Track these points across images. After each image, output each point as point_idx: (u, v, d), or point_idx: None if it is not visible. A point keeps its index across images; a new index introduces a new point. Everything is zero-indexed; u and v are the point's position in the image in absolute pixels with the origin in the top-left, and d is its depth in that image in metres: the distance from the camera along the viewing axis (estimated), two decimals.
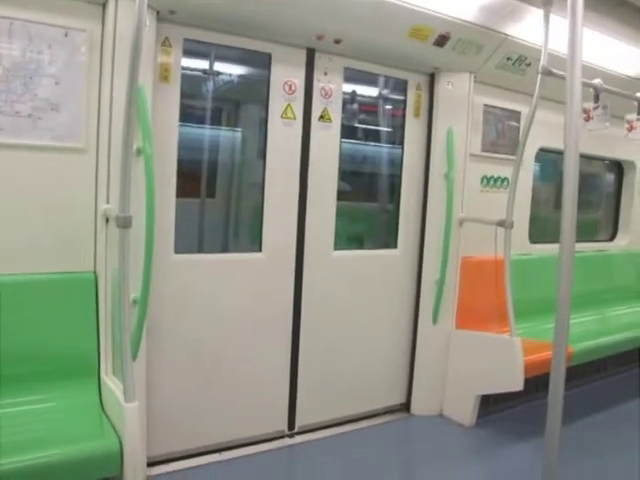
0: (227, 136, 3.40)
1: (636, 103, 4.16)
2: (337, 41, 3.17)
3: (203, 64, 3.15)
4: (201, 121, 3.24)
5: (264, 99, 3.16)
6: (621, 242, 5.54)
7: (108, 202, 2.58)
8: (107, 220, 2.59)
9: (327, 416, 3.59)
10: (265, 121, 3.17)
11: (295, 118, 3.22)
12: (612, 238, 5.59)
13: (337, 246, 3.48)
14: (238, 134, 3.43)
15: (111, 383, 2.44)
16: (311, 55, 3.25)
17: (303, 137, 3.26)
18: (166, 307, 2.92)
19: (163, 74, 2.80)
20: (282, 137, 3.20)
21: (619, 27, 3.97)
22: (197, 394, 3.08)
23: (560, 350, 2.17)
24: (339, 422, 3.64)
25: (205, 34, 2.91)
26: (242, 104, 3.42)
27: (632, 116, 4.21)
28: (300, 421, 3.47)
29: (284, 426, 3.43)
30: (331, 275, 3.47)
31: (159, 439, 2.93)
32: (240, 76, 3.37)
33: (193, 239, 3.31)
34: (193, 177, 3.28)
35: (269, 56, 3.13)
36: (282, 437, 3.42)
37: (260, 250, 3.22)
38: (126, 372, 2.18)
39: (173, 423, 3.01)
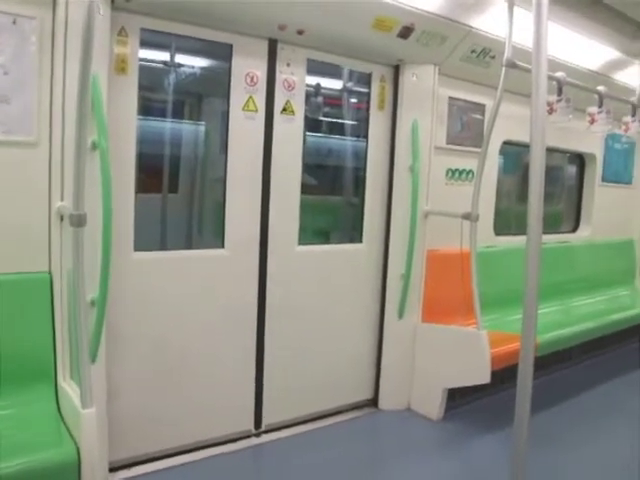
0: (189, 130, 3.31)
1: (597, 96, 4.22)
2: (300, 32, 3.10)
3: (162, 55, 3.05)
4: (161, 114, 3.14)
5: (226, 91, 3.08)
6: (583, 233, 5.63)
7: (62, 199, 2.47)
8: (62, 218, 2.48)
9: (294, 414, 3.55)
10: (227, 114, 3.09)
11: (257, 111, 3.15)
12: (575, 230, 5.68)
13: (301, 241, 3.43)
14: (200, 128, 3.35)
15: (68, 388, 2.35)
16: (273, 46, 3.18)
17: (266, 130, 3.19)
18: (127, 307, 2.83)
19: (120, 65, 2.70)
20: (244, 130, 3.12)
21: (581, 21, 3.99)
22: (161, 395, 3.00)
23: (528, 342, 2.17)
24: (306, 419, 3.60)
25: (163, 24, 2.81)
26: (204, 97, 3.33)
27: (594, 109, 4.26)
28: (267, 420, 3.42)
29: (250, 425, 3.37)
30: (295, 270, 3.41)
31: (122, 443, 2.84)
32: (201, 68, 3.29)
33: (155, 236, 3.22)
34: (154, 172, 3.19)
35: (230, 47, 3.05)
36: (249, 437, 3.36)
37: (223, 246, 3.14)
38: (83, 376, 2.09)
39: (136, 426, 2.92)
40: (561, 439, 3.57)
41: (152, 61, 3.00)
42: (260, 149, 3.19)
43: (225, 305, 3.17)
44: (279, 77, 3.22)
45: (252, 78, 3.11)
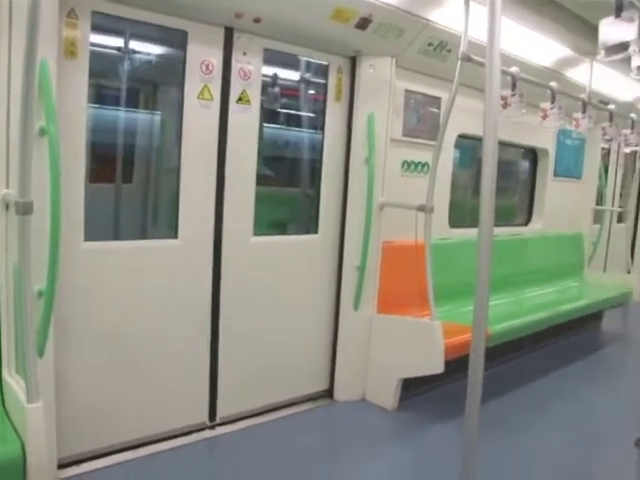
0: (144, 118, 3.25)
1: (550, 92, 4.31)
2: (257, 20, 3.06)
3: (116, 41, 2.97)
4: (115, 102, 3.07)
5: (181, 79, 3.01)
6: (535, 226, 5.76)
7: (8, 187, 2.38)
8: (7, 206, 2.39)
9: (249, 405, 3.52)
10: (181, 102, 3.03)
11: (212, 99, 3.10)
12: (527, 223, 5.80)
13: (257, 232, 3.40)
14: (156, 116, 3.28)
15: (14, 383, 2.27)
16: (229, 34, 3.12)
17: (221, 119, 3.14)
18: (77, 299, 2.76)
19: (69, 49, 2.60)
20: (199, 119, 3.06)
21: (536, 19, 4.07)
22: (113, 389, 2.93)
23: (479, 332, 2.21)
24: (262, 411, 3.58)
25: (116, 7, 2.72)
26: (159, 85, 3.26)
27: (546, 105, 4.36)
28: (221, 412, 3.39)
29: (205, 418, 3.34)
30: (251, 262, 3.38)
31: (71, 439, 2.77)
32: (156, 55, 3.22)
33: (107, 226, 3.15)
34: (107, 161, 3.11)
35: (185, 34, 2.98)
36: (203, 429, 3.32)
37: (176, 237, 3.08)
38: (30, 370, 2.03)
39: (87, 421, 2.85)
40: (512, 426, 3.65)
41: (105, 46, 2.92)
42: (215, 139, 3.14)
43: (179, 297, 3.11)
44: (235, 66, 3.17)
45: (207, 66, 3.05)
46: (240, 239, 3.31)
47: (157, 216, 3.40)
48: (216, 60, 3.09)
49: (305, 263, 3.67)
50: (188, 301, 3.15)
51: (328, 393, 3.91)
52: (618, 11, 2.84)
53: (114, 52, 2.98)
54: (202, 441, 3.23)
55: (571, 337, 5.64)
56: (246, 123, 3.25)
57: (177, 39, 2.99)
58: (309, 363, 3.79)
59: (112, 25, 2.85)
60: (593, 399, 4.21)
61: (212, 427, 3.35)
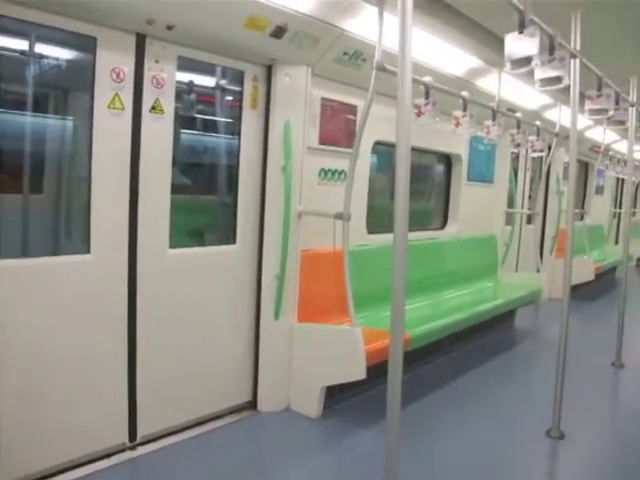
0: (54, 126, 3.11)
1: (462, 101, 4.46)
2: (169, 27, 2.98)
3: (20, 44, 2.82)
4: (21, 108, 2.91)
5: (91, 87, 2.89)
6: (451, 230, 5.93)
7: None
8: None
9: (171, 422, 3.43)
10: (91, 111, 2.90)
11: (124, 108, 2.99)
12: (443, 227, 5.97)
13: (173, 244, 3.30)
14: (67, 124, 3.15)
15: None
16: (141, 41, 3.03)
17: (133, 129, 3.03)
18: None
19: None
20: (110, 129, 2.95)
21: (448, 30, 4.17)
22: (25, 413, 2.76)
23: (397, 337, 2.25)
24: (185, 427, 3.49)
25: (18, 10, 2.56)
26: (69, 91, 3.12)
27: (459, 113, 4.51)
28: (142, 431, 3.27)
29: (125, 438, 3.20)
30: (167, 275, 3.29)
31: None
32: (65, 60, 3.07)
33: (14, 242, 2.96)
34: (13, 171, 2.94)
35: (94, 40, 2.86)
36: (123, 450, 3.19)
37: (89, 251, 2.95)
38: None
39: None
40: (434, 427, 3.73)
41: (7, 49, 2.76)
42: (127, 149, 3.03)
43: (93, 314, 2.98)
44: (147, 74, 3.07)
45: (118, 74, 2.94)
46: (156, 252, 3.21)
47: (69, 230, 3.24)
48: (127, 68, 2.98)
49: (224, 274, 3.61)
50: (103, 318, 3.02)
51: (252, 404, 3.86)
52: (521, 27, 2.97)
53: (18, 55, 2.83)
54: (122, 463, 3.10)
55: (486, 336, 5.84)
56: (160, 133, 3.15)
57: (86, 44, 2.86)
58: (231, 375, 3.73)
59: (16, 27, 2.69)
60: (507, 396, 4.38)
61: (133, 447, 3.23)
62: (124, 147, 3.02)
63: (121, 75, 2.95)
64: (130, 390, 3.19)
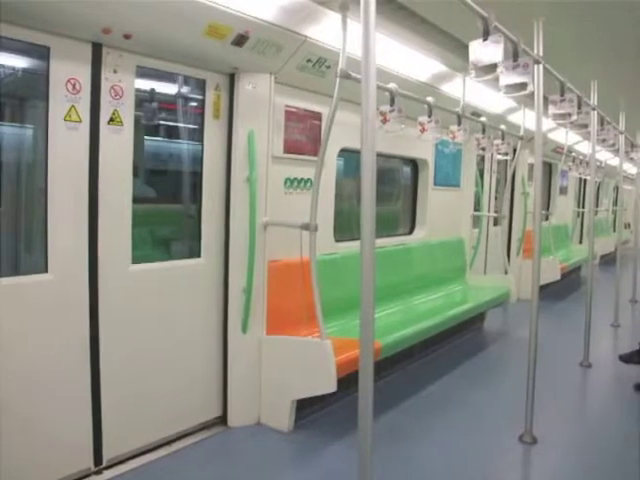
0: (8, 139, 2.94)
1: (427, 107, 4.46)
2: (127, 36, 2.88)
3: None
4: None
5: (45, 99, 2.77)
6: (419, 234, 5.93)
7: None
8: None
9: (139, 443, 3.31)
10: (46, 124, 2.78)
11: (81, 121, 2.87)
12: (411, 232, 5.96)
13: (136, 259, 3.21)
14: (24, 136, 3.01)
15: None
16: (98, 50, 2.92)
17: (91, 142, 2.92)
18: None
19: None
20: (66, 142, 2.83)
21: (411, 36, 4.16)
22: None
23: (367, 348, 2.23)
24: (153, 447, 3.38)
25: None
26: (24, 102, 2.98)
27: (424, 118, 4.51)
28: (108, 454, 3.15)
29: (90, 463, 3.07)
30: (131, 291, 3.18)
31: None
32: (16, 70, 2.91)
33: None
34: None
35: (47, 50, 2.74)
36: (88, 476, 3.06)
37: (46, 270, 2.83)
38: None
39: None
40: (407, 436, 3.70)
41: None
42: (85, 162, 2.91)
43: (53, 336, 2.85)
44: (105, 85, 2.96)
45: (74, 85, 2.83)
46: (118, 268, 3.10)
47: (25, 248, 3.10)
48: (84, 78, 2.87)
49: (189, 288, 3.52)
50: (64, 339, 2.90)
51: (222, 420, 3.77)
52: (485, 34, 2.96)
53: None
54: None
55: (457, 339, 5.86)
56: (119, 145, 3.05)
57: (39, 54, 2.74)
58: (200, 391, 3.64)
59: None
60: (480, 400, 4.38)
61: (98, 472, 3.10)
62: (81, 161, 2.90)
63: (77, 86, 2.84)
64: (94, 412, 3.07)
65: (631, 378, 4.77)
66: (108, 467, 3.15)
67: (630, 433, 3.89)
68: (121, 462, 3.21)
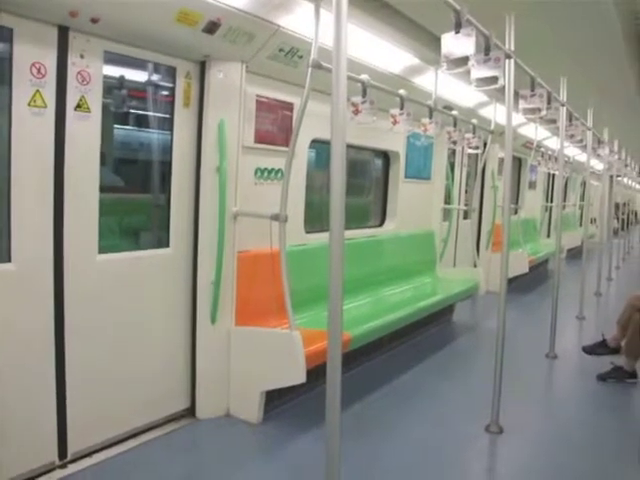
0: None
1: (399, 99, 4.46)
2: (94, 20, 2.80)
3: None
4: None
5: (8, 83, 2.68)
6: (389, 227, 5.95)
7: None
8: None
9: (105, 436, 3.26)
10: (9, 109, 2.69)
11: (46, 106, 2.79)
12: (382, 224, 5.98)
13: (103, 248, 3.14)
14: None
15: None
16: (64, 34, 2.83)
17: (57, 128, 2.84)
18: None
19: None
20: (31, 128, 2.74)
21: (384, 28, 4.16)
22: None
23: (335, 338, 2.22)
24: (120, 439, 3.33)
25: None
26: None
27: (396, 111, 4.51)
28: (73, 447, 3.08)
29: (54, 456, 3.00)
30: (97, 281, 3.12)
31: None
32: None
33: None
34: None
35: (10, 32, 2.64)
36: (52, 470, 2.98)
37: (9, 260, 2.75)
38: None
39: None
40: (376, 427, 3.72)
41: None
42: (51, 149, 2.83)
43: (17, 328, 2.77)
44: (72, 70, 2.87)
45: (39, 69, 2.74)
46: (84, 258, 3.04)
47: None
48: (49, 63, 2.78)
49: (157, 278, 3.47)
50: (27, 331, 2.82)
51: (190, 412, 3.74)
52: (457, 27, 2.97)
53: None
54: None
55: (426, 331, 5.91)
56: (86, 132, 2.97)
57: (1, 36, 2.64)
58: (168, 383, 3.60)
59: None
60: (448, 391, 4.43)
61: (63, 466, 3.03)
62: (47, 148, 2.82)
63: (42, 70, 2.76)
64: (59, 405, 3.01)
65: (595, 369, 4.87)
66: (73, 460, 3.09)
67: (592, 422, 4.00)
68: (87, 455, 3.16)
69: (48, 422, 2.98)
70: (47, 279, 2.89)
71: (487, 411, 3.73)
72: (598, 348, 5.31)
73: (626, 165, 12.37)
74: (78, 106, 2.93)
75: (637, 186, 21.81)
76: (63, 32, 2.83)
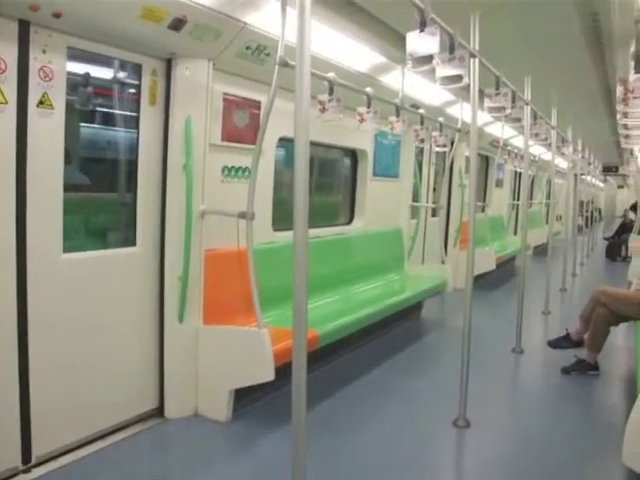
0: None
1: (366, 97, 4.49)
2: (56, 15, 2.75)
3: None
4: None
5: None
6: (358, 224, 5.98)
7: None
8: None
9: (71, 438, 3.21)
10: None
11: (7, 102, 2.73)
12: (350, 221, 6.01)
13: (67, 247, 3.10)
14: None
15: None
16: (25, 29, 2.77)
17: (18, 125, 2.79)
18: None
19: None
20: None
21: (351, 27, 4.17)
22: None
23: (300, 335, 2.23)
24: (87, 442, 3.29)
25: None
26: None
27: (363, 109, 4.53)
28: (38, 450, 3.03)
29: (17, 461, 2.94)
30: (62, 281, 3.08)
31: None
32: None
33: None
34: None
35: None
36: (16, 475, 2.92)
37: None
38: None
39: None
40: (343, 424, 3.74)
41: None
42: (12, 147, 2.78)
43: None
44: (34, 65, 2.82)
45: None
46: (48, 257, 2.99)
47: None
48: (10, 58, 2.72)
49: (124, 277, 3.43)
50: None
51: (159, 411, 3.71)
52: (422, 26, 3.00)
53: None
54: None
55: (395, 328, 5.95)
56: (49, 129, 2.92)
57: None
58: (135, 382, 3.57)
59: None
60: (416, 387, 4.47)
61: (27, 470, 2.97)
62: (8, 145, 2.77)
63: (2, 65, 2.70)
64: (22, 407, 2.95)
65: (559, 362, 4.97)
66: (38, 465, 3.04)
67: (557, 413, 4.09)
68: (52, 459, 3.10)
69: (11, 426, 2.92)
70: (9, 278, 2.84)
71: (455, 406, 3.78)
72: (562, 342, 5.41)
73: (589, 164, 12.64)
74: (40, 102, 2.88)
75: (600, 184, 22.32)
76: (24, 26, 2.77)
